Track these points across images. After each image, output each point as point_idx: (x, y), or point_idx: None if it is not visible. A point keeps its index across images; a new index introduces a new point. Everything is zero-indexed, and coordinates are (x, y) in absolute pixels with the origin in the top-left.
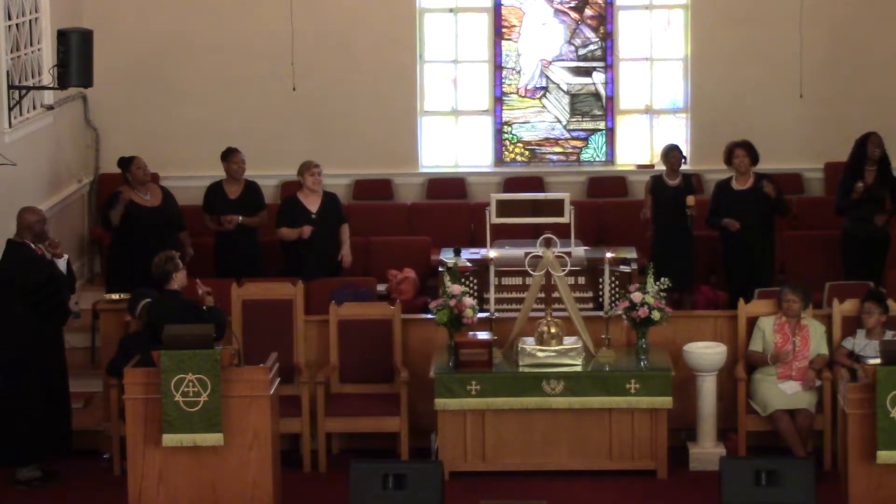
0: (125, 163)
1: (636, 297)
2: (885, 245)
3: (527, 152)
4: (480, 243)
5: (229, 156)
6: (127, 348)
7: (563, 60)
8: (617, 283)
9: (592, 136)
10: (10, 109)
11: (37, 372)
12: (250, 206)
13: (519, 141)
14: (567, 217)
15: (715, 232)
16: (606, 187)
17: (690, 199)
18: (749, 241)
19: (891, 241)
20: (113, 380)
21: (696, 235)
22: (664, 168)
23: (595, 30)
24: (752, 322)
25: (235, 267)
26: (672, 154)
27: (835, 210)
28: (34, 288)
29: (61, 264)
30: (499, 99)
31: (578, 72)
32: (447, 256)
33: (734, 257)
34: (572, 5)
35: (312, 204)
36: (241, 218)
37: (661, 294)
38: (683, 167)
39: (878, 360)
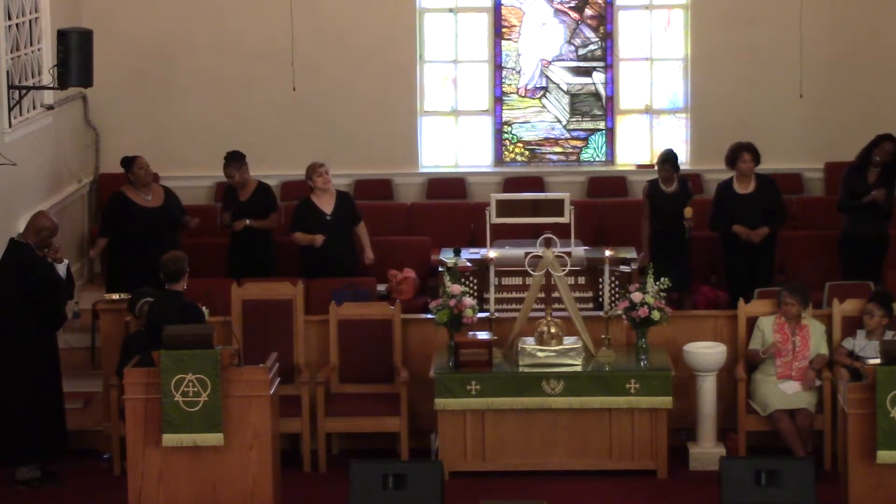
0: (128, 162)
1: (636, 297)
2: (884, 245)
3: (527, 152)
4: (480, 243)
5: (229, 164)
6: (129, 348)
7: (563, 60)
8: (617, 283)
9: (592, 136)
10: (10, 109)
11: (31, 371)
12: (261, 208)
13: (519, 141)
14: (567, 217)
15: (715, 233)
16: (606, 187)
17: (688, 212)
18: (750, 243)
19: (890, 242)
20: (115, 380)
21: (696, 236)
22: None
23: (595, 30)
24: (752, 322)
25: (248, 269)
26: (664, 167)
27: (837, 207)
28: (32, 288)
29: (61, 269)
30: (499, 99)
31: (578, 72)
32: (447, 256)
33: (734, 258)
34: (572, 5)
35: (326, 205)
36: (248, 221)
37: (661, 294)
38: (683, 168)
39: (877, 361)
